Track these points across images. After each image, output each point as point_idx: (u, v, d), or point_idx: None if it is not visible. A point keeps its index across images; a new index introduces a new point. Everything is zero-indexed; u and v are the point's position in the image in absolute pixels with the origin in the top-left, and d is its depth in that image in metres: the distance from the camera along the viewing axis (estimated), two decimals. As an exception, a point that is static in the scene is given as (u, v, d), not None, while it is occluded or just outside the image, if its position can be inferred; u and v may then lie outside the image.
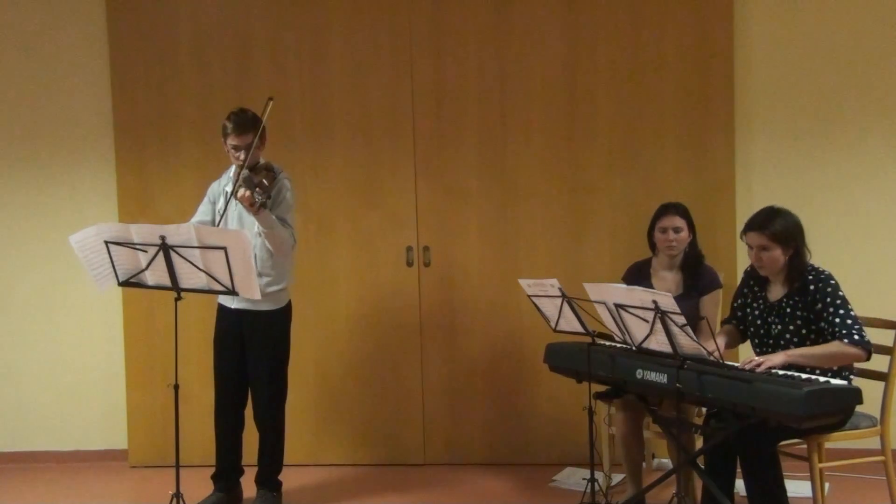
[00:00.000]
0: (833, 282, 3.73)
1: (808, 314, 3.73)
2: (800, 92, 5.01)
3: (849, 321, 3.65)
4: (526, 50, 5.04)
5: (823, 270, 3.77)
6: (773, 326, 3.82)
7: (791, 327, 3.76)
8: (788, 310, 3.78)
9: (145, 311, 5.20)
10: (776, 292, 3.85)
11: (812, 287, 3.72)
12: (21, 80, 5.38)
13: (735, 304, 4.05)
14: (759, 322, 3.89)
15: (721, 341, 3.93)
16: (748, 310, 3.96)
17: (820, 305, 3.69)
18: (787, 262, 3.78)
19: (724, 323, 4.16)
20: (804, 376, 3.48)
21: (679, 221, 4.33)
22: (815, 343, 3.71)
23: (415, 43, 5.09)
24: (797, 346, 3.73)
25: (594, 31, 5.00)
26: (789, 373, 3.53)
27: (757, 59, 5.02)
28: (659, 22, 4.96)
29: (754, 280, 3.95)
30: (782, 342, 3.77)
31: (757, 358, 3.63)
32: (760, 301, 3.90)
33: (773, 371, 3.54)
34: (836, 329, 3.65)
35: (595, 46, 5.00)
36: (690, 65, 4.94)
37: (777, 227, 3.75)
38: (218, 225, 4.33)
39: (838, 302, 3.68)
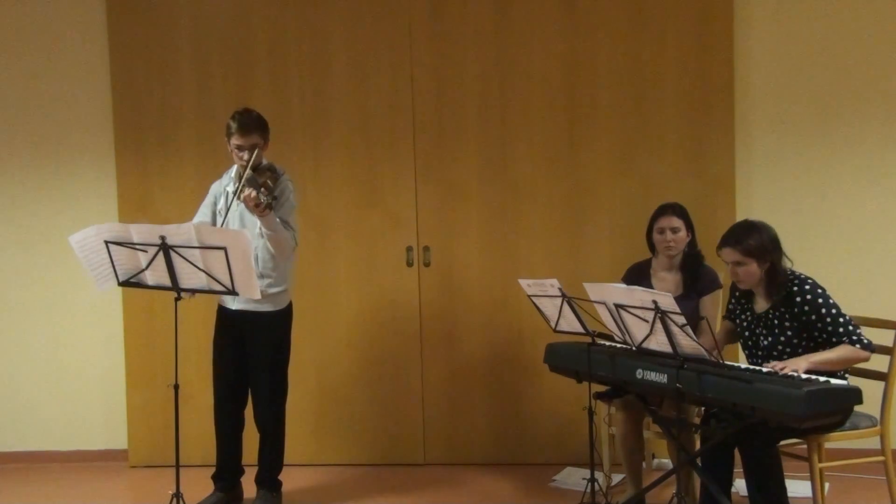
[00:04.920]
0: (819, 290, 3.72)
1: (797, 325, 3.72)
2: (800, 92, 5.02)
3: (850, 326, 3.66)
4: (526, 50, 5.04)
5: (806, 278, 3.76)
6: (763, 338, 3.82)
7: (782, 338, 3.75)
8: (776, 321, 3.78)
9: (145, 311, 5.20)
10: (761, 304, 3.86)
11: (799, 299, 3.71)
12: (21, 81, 5.38)
13: (729, 306, 4.08)
14: (747, 334, 3.91)
15: (718, 337, 3.93)
16: (738, 320, 3.98)
17: (814, 317, 3.68)
18: (765, 275, 3.78)
19: (724, 318, 4.17)
20: (804, 376, 3.48)
21: (676, 222, 4.32)
22: (808, 352, 3.70)
23: (415, 43, 5.09)
24: (790, 355, 3.71)
25: (594, 32, 5.00)
26: (789, 373, 3.53)
27: (757, 59, 5.02)
28: (659, 22, 4.96)
29: (740, 292, 3.96)
30: (774, 353, 3.77)
31: (780, 364, 3.58)
32: (749, 313, 3.91)
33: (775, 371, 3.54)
34: (839, 334, 3.64)
35: (595, 47, 5.00)
36: (690, 65, 4.94)
37: (751, 242, 3.75)
38: (221, 225, 4.32)
39: (833, 311, 3.67)
